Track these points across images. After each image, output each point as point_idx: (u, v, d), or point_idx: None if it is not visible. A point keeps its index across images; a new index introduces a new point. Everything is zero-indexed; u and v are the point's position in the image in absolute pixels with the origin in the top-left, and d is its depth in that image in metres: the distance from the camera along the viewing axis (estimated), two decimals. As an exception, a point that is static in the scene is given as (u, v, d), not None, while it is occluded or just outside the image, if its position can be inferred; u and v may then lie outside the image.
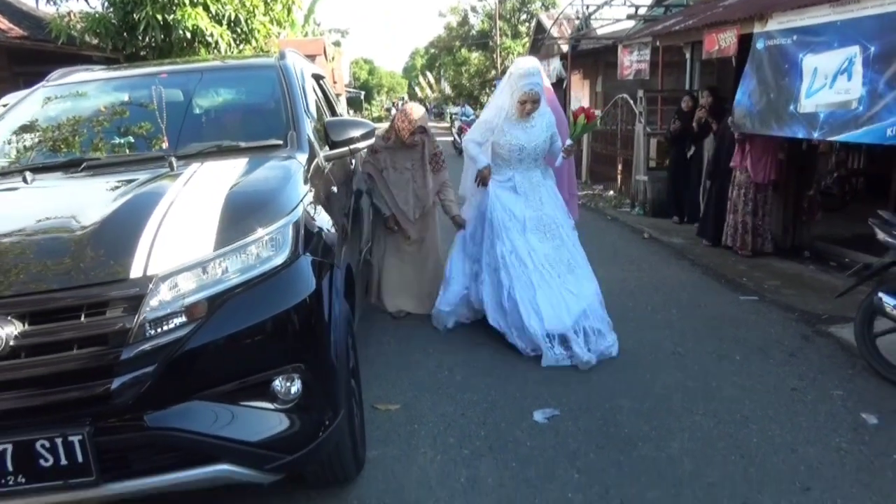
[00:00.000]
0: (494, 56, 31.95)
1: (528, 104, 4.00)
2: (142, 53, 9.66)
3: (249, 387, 2.01)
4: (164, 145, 3.00)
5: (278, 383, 2.05)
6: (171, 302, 1.91)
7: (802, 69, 5.34)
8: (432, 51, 47.31)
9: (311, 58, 16.55)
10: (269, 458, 2.03)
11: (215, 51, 9.26)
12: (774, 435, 2.98)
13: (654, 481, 2.63)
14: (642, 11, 11.35)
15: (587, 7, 12.24)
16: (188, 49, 9.41)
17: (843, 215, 7.56)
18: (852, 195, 8.49)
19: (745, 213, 6.40)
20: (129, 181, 2.41)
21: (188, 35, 8.82)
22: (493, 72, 31.13)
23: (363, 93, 52.53)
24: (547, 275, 3.99)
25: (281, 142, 2.90)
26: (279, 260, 2.11)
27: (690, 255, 6.50)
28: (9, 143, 3.01)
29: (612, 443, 2.93)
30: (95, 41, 9.64)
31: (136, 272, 1.89)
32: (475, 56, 36.42)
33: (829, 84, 5.06)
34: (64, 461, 1.83)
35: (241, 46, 9.72)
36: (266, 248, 2.11)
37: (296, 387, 2.08)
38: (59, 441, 1.82)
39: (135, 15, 9.16)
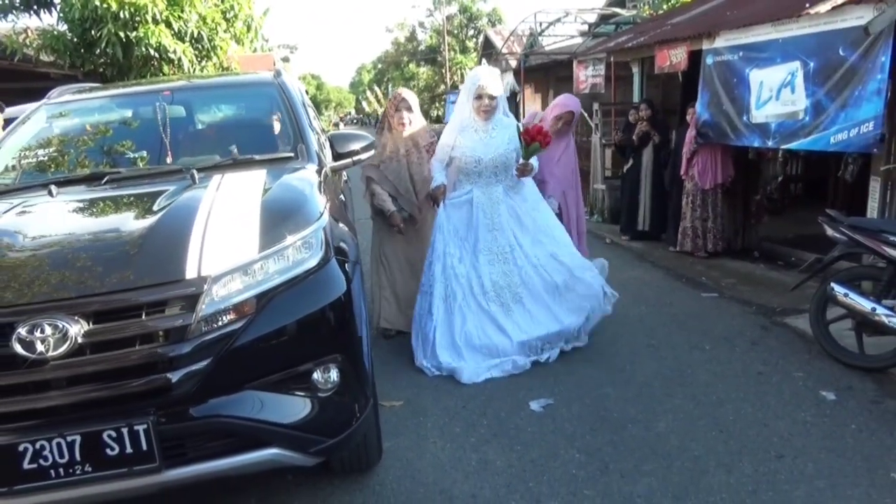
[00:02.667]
0: (443, 71, 32.46)
1: (485, 99, 3.89)
2: (100, 71, 9.60)
3: (294, 377, 2.19)
4: (171, 159, 3.15)
5: (319, 373, 2.24)
6: (223, 300, 2.08)
7: (750, 83, 5.80)
8: (380, 66, 47.64)
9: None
10: (313, 441, 2.21)
11: (178, 68, 9.28)
12: (747, 413, 3.30)
13: (647, 456, 2.91)
14: (592, 27, 11.86)
15: (540, 24, 12.70)
16: (148, 66, 9.41)
17: (786, 218, 8.10)
18: (792, 199, 9.09)
19: (693, 218, 6.86)
20: (160, 192, 2.55)
21: (151, 52, 8.83)
22: (443, 86, 31.63)
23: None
24: (487, 300, 3.87)
25: (292, 154, 3.08)
26: (313, 262, 2.30)
27: (650, 258, 6.89)
28: (22, 160, 3.10)
29: (605, 425, 3.19)
30: (52, 58, 9.54)
31: (191, 273, 2.06)
32: (424, 71, 36.91)
33: (774, 96, 5.53)
34: (129, 449, 1.97)
35: (203, 63, 9.76)
36: (301, 252, 2.29)
37: (334, 376, 2.26)
38: (125, 431, 1.96)
39: (93, 32, 9.11)
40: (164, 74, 9.33)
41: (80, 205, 2.63)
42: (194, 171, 2.74)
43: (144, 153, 3.18)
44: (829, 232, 3.96)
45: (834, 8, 4.94)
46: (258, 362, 2.14)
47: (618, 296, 4.29)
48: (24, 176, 3.01)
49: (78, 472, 1.96)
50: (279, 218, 2.33)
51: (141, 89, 3.73)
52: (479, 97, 3.93)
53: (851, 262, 4.28)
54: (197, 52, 9.57)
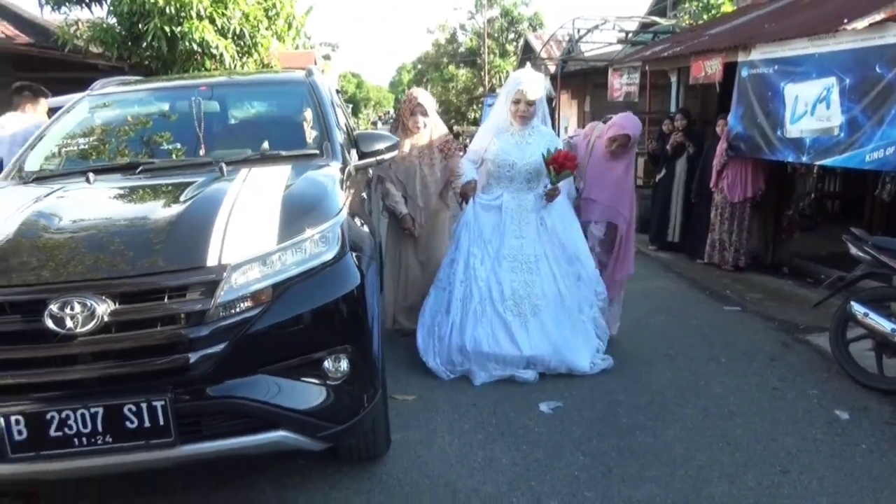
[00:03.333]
0: (482, 74, 32.49)
1: (522, 104, 3.82)
2: (146, 63, 9.90)
3: (305, 364, 2.29)
4: (203, 152, 3.29)
5: (329, 362, 2.33)
6: (241, 288, 2.19)
7: (785, 96, 5.75)
8: (419, 66, 47.85)
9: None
10: (321, 427, 2.31)
11: (220, 63, 9.53)
12: (757, 427, 3.30)
13: (651, 463, 2.94)
14: (630, 36, 11.82)
15: (578, 30, 12.70)
16: (192, 60, 9.68)
17: (819, 234, 7.97)
18: (827, 216, 8.94)
19: (721, 231, 6.82)
20: (189, 183, 2.68)
21: (194, 47, 9.08)
22: (481, 89, 31.67)
23: (350, 106, 52.89)
24: (505, 308, 3.79)
25: (317, 151, 3.19)
26: (329, 255, 2.39)
27: (676, 269, 6.87)
28: (64, 147, 3.27)
29: (613, 431, 3.23)
30: (100, 50, 9.87)
31: (212, 261, 2.16)
32: (463, 73, 36.95)
33: (809, 111, 5.47)
34: (147, 423, 2.09)
35: (244, 59, 9.99)
36: (318, 245, 2.38)
37: (344, 365, 2.35)
38: (144, 406, 2.07)
39: (141, 26, 9.41)
40: (206, 69, 9.59)
41: (114, 192, 2.76)
42: (223, 164, 2.86)
43: (179, 145, 3.32)
44: (853, 250, 3.93)
45: (872, 25, 4.88)
46: (272, 348, 2.23)
47: (611, 362, 4.00)
48: (65, 163, 3.18)
49: (99, 441, 2.08)
50: (299, 212, 2.43)
51: (178, 84, 3.88)
52: (517, 101, 3.86)
53: (878, 283, 4.23)
54: (238, 49, 9.81)
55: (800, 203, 7.46)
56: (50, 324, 2.02)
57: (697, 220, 7.29)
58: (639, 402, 3.56)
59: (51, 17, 11.62)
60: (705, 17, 11.47)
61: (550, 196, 3.87)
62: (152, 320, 2.11)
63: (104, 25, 9.54)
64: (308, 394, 2.29)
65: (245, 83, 3.96)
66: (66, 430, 2.06)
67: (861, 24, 4.93)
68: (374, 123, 52.40)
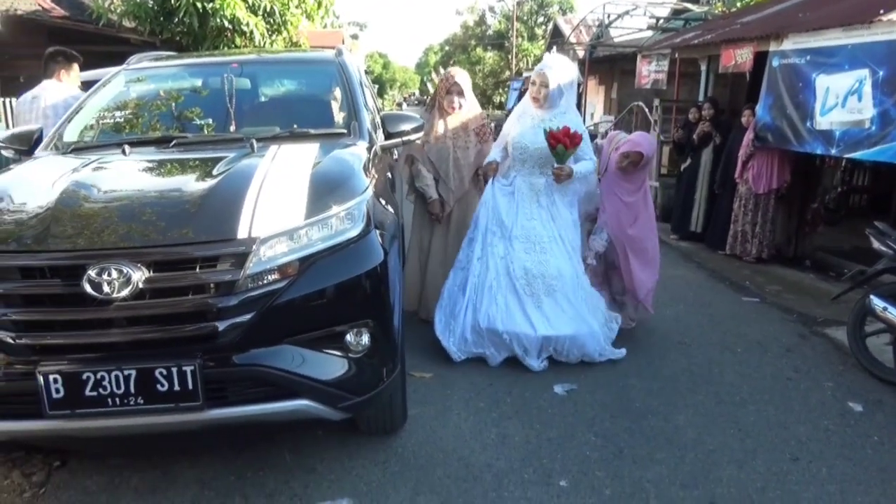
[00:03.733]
0: (509, 57, 32.30)
1: (536, 86, 3.85)
2: (177, 39, 10.02)
3: (329, 336, 2.37)
4: (234, 128, 3.37)
5: (351, 335, 2.41)
6: (269, 261, 2.27)
7: (815, 88, 5.68)
8: (447, 48, 47.67)
9: (324, 48, 16.83)
10: (341, 397, 2.40)
11: (250, 40, 9.62)
12: (769, 415, 3.34)
13: (662, 446, 3.00)
14: (661, 22, 11.68)
15: (608, 15, 12.58)
16: (222, 37, 9.78)
17: (844, 229, 7.90)
18: (851, 210, 8.84)
19: (745, 223, 6.79)
20: (220, 158, 2.76)
21: (225, 23, 9.18)
22: (508, 72, 31.50)
23: (376, 87, 52.82)
24: (518, 286, 3.79)
25: (345, 130, 3.26)
26: (354, 232, 2.46)
27: (697, 259, 6.86)
28: (101, 120, 3.38)
29: (625, 414, 3.29)
30: (133, 24, 10.01)
31: (242, 233, 2.25)
32: (490, 56, 36.78)
33: (840, 103, 5.42)
34: (177, 387, 2.18)
35: (274, 37, 10.07)
36: (344, 222, 2.46)
37: (365, 339, 2.43)
38: (174, 370, 2.17)
39: (173, 1, 9.53)
40: (236, 46, 9.69)
41: (149, 164, 2.86)
42: (253, 141, 2.94)
43: (211, 120, 3.40)
44: (875, 245, 3.92)
45: (907, 16, 4.81)
46: (297, 320, 2.32)
47: (623, 353, 3.95)
48: (101, 135, 3.29)
49: (131, 402, 2.19)
50: (326, 189, 2.50)
51: (211, 60, 3.97)
52: (533, 82, 3.90)
53: (897, 277, 4.23)
54: (268, 26, 9.89)
55: (826, 196, 7.38)
56: (88, 288, 2.12)
57: (720, 211, 7.25)
58: (651, 386, 3.61)
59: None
60: (738, 4, 11.30)
61: (556, 175, 3.79)
62: (184, 288, 2.20)
63: (137, 0, 9.67)
64: (330, 365, 2.38)
65: (276, 61, 4.03)
66: (100, 390, 2.17)
67: (896, 15, 4.86)
68: (400, 105, 52.31)
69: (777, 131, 6.21)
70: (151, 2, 9.83)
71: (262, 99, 3.80)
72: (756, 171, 6.66)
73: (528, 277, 3.79)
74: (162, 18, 9.87)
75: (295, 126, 3.32)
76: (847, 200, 9.08)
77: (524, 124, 3.95)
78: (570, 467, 2.80)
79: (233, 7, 9.00)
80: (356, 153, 2.94)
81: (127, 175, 2.70)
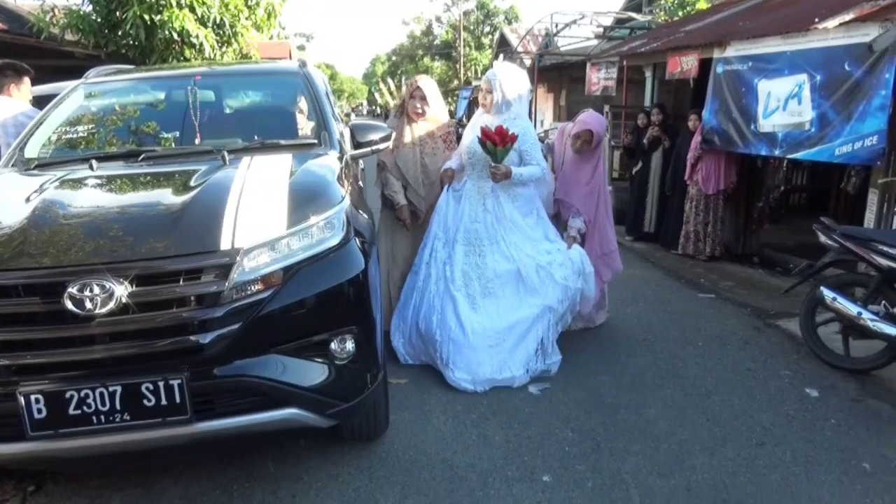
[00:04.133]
0: (457, 66, 32.59)
1: (484, 93, 3.96)
2: (123, 52, 9.80)
3: (314, 344, 2.39)
4: (200, 140, 3.35)
5: (336, 343, 2.43)
6: (253, 271, 2.28)
7: (758, 92, 5.96)
8: (394, 58, 47.72)
9: (273, 60, 16.72)
10: (329, 404, 2.42)
11: (199, 52, 9.49)
12: (734, 404, 3.49)
13: (636, 438, 3.10)
14: (607, 31, 12.01)
15: (556, 24, 12.86)
16: (170, 49, 9.62)
17: (786, 226, 8.27)
18: (790, 209, 9.25)
19: (696, 223, 7.06)
20: (193, 170, 2.75)
21: (174, 35, 9.03)
22: (456, 81, 31.78)
23: (324, 97, 52.37)
24: (454, 288, 3.79)
25: (315, 140, 3.29)
26: (335, 241, 2.49)
27: (652, 259, 7.08)
28: (63, 135, 3.31)
29: (598, 409, 3.39)
30: (76, 37, 9.75)
31: (225, 245, 2.25)
32: (438, 65, 37.03)
33: (781, 107, 5.69)
34: (164, 401, 2.17)
35: (224, 49, 9.96)
36: (324, 231, 2.48)
37: (350, 346, 2.46)
38: (161, 384, 2.16)
39: (118, 13, 9.34)
40: (185, 58, 9.54)
41: (122, 179, 2.82)
42: (225, 153, 2.94)
43: (178, 133, 3.38)
44: (822, 239, 4.14)
45: (841, 24, 5.10)
46: (283, 329, 2.33)
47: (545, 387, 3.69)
48: (65, 150, 3.22)
49: (117, 419, 2.17)
50: (306, 199, 2.53)
51: (174, 73, 3.93)
52: (480, 89, 4.05)
53: (843, 270, 4.47)
54: (218, 38, 9.77)
55: (770, 195, 7.72)
56: (69, 305, 2.09)
57: (672, 212, 7.50)
58: (621, 382, 3.73)
59: (22, 3, 11.45)
60: (680, 13, 11.71)
61: (493, 174, 3.81)
62: (168, 302, 2.20)
63: (80, 12, 9.44)
64: (317, 372, 2.40)
65: (240, 73, 4.02)
66: (84, 408, 2.14)
67: (831, 23, 5.15)
68: (348, 115, 52.07)
69: (723, 134, 6.48)
70: (94, 14, 9.62)
71: (228, 111, 3.79)
72: (705, 172, 6.93)
73: (466, 280, 3.81)
74: (107, 31, 9.66)
75: (263, 138, 3.32)
76: (787, 199, 9.50)
77: (472, 129, 4.03)
78: (551, 463, 2.88)
79: (182, 19, 8.87)
80: (330, 163, 2.97)
81: (100, 190, 2.67)
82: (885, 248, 3.76)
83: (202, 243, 2.25)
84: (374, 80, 64.75)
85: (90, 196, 2.57)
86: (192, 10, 9.15)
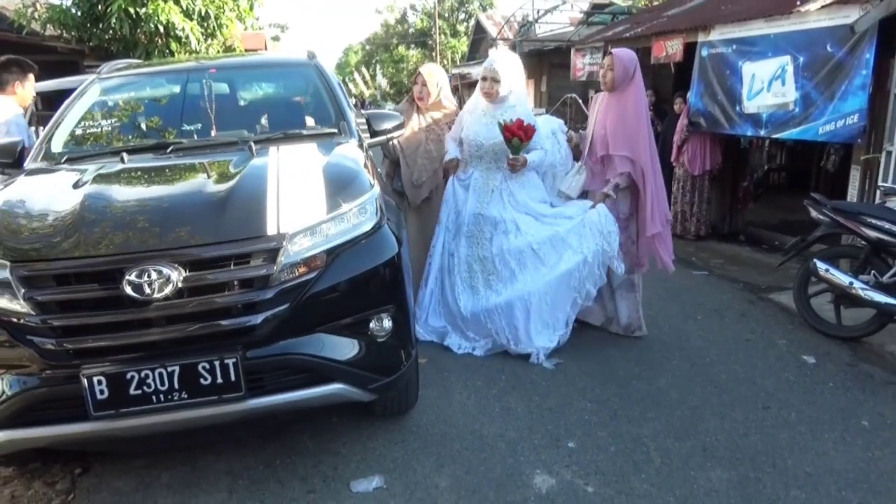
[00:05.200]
0: (434, 54, 32.57)
1: (488, 82, 3.92)
2: (106, 46, 9.74)
3: (356, 323, 2.52)
4: (214, 132, 3.43)
5: (375, 321, 2.56)
6: (297, 254, 2.39)
7: (742, 74, 6.16)
8: (368, 47, 47.49)
9: (254, 52, 16.68)
10: (371, 379, 2.55)
11: (184, 45, 9.46)
12: (738, 372, 3.68)
13: (650, 406, 3.28)
14: (584, 16, 12.16)
15: (537, 11, 12.99)
16: (154, 42, 9.58)
17: (769, 204, 8.53)
18: (776, 188, 9.54)
19: (683, 203, 7.28)
20: (226, 160, 2.85)
21: (159, 28, 9.00)
22: (433, 70, 31.78)
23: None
24: (460, 279, 3.94)
25: (335, 130, 3.39)
26: (369, 226, 2.61)
27: (643, 239, 7.27)
28: (87, 130, 3.38)
29: (612, 381, 3.56)
30: (59, 32, 9.66)
31: (271, 230, 2.36)
32: (413, 54, 36.96)
33: (766, 88, 5.90)
34: (220, 380, 2.28)
35: (209, 41, 9.94)
36: (359, 216, 2.60)
37: (388, 323, 2.59)
38: (217, 363, 2.27)
39: (100, 7, 9.27)
40: (170, 51, 9.52)
41: (158, 170, 2.91)
42: (252, 143, 3.04)
43: (198, 125, 3.45)
44: (813, 214, 4.34)
45: (823, 7, 5.30)
46: (327, 309, 2.45)
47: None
48: (92, 144, 3.29)
49: (176, 398, 2.27)
50: (340, 186, 2.64)
51: (187, 66, 3.99)
52: (484, 78, 3.97)
53: (826, 244, 4.68)
54: (203, 30, 9.75)
55: (754, 175, 7.96)
56: (129, 290, 2.19)
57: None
58: (629, 355, 3.90)
59: (4, 3, 11.27)
60: (659, -2, 11.90)
61: (512, 165, 3.86)
62: (221, 285, 2.31)
63: (62, 7, 9.35)
64: (358, 349, 2.52)
65: (254, 65, 4.09)
66: (144, 388, 2.25)
67: (813, 6, 5.35)
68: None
69: (709, 116, 6.68)
70: (75, 9, 9.53)
71: (243, 103, 3.87)
72: (691, 154, 7.14)
73: (470, 271, 3.91)
74: (89, 25, 9.59)
75: (283, 129, 3.41)
76: (769, 179, 9.77)
77: (477, 120, 4.02)
78: (573, 431, 3.04)
79: (167, 12, 8.85)
80: (355, 151, 3.09)
81: (141, 181, 2.76)
82: (874, 221, 3.97)
83: (250, 229, 2.36)
84: (347, 70, 64.34)
85: (133, 187, 2.67)
86: (177, 2, 9.12)
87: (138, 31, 9.22)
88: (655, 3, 11.57)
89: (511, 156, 3.87)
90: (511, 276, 3.86)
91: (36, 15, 9.36)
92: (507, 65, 4.01)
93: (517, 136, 3.79)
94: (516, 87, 4.07)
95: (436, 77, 4.32)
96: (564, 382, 3.54)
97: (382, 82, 43.87)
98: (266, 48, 24.35)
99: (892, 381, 3.59)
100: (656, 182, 3.92)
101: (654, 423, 3.11)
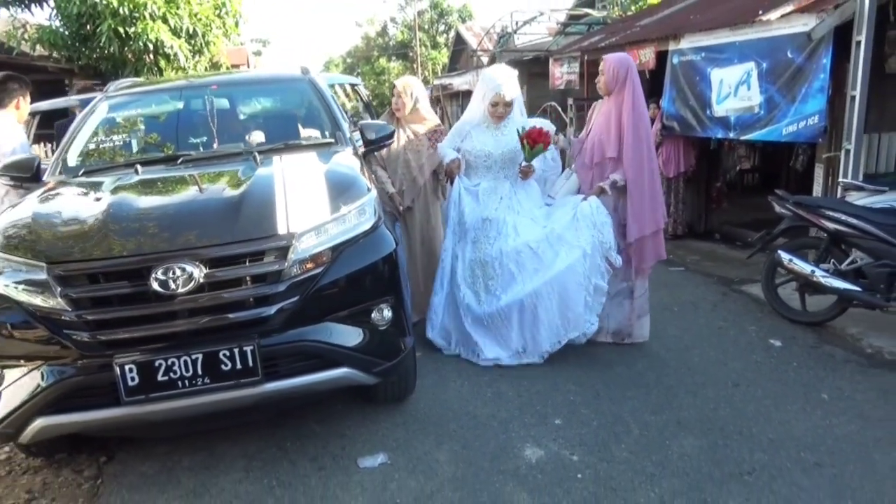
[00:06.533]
0: (415, 66, 32.97)
1: (500, 107, 3.91)
2: (95, 65, 9.94)
3: (359, 312, 2.78)
4: (216, 144, 3.68)
5: (376, 311, 2.82)
6: (305, 251, 2.65)
7: (711, 80, 6.50)
8: (349, 60, 47.78)
9: (236, 67, 16.89)
10: (374, 363, 2.80)
11: (173, 62, 9.69)
12: (710, 356, 3.98)
13: (630, 387, 3.56)
14: (566, 28, 12.55)
15: (516, 22, 13.37)
16: (142, 60, 9.79)
17: (743, 204, 8.89)
18: (749, 188, 9.92)
19: None
20: (235, 169, 3.10)
21: (149, 46, 9.22)
22: (414, 81, 32.15)
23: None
24: (462, 283, 3.98)
25: (332, 140, 3.66)
26: (367, 226, 2.88)
27: (623, 240, 7.59)
28: (100, 144, 3.61)
29: (594, 366, 3.84)
30: (48, 52, 9.85)
31: (282, 230, 2.62)
32: (395, 66, 37.32)
33: (733, 93, 6.24)
34: (239, 365, 2.53)
35: (197, 58, 10.17)
36: (357, 217, 2.87)
37: (387, 313, 2.85)
38: (236, 350, 2.51)
39: (88, 27, 9.47)
40: (159, 69, 9.74)
41: (173, 179, 3.15)
42: (256, 154, 3.30)
43: (204, 138, 3.70)
44: (777, 208, 4.66)
45: (783, 16, 5.66)
46: (333, 300, 2.71)
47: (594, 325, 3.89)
48: (106, 157, 3.53)
49: (199, 383, 2.51)
50: (341, 190, 2.91)
51: (189, 83, 4.24)
52: (495, 104, 3.92)
53: (793, 236, 5.01)
54: (191, 48, 9.99)
55: (727, 176, 8.33)
56: (156, 286, 2.44)
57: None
58: (612, 344, 4.18)
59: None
60: (633, 8, 12.32)
61: (524, 172, 3.96)
62: (238, 280, 2.56)
63: (52, 27, 9.55)
64: (362, 336, 2.78)
65: (253, 81, 4.35)
66: (171, 374, 2.49)
67: (774, 15, 5.71)
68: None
69: (682, 120, 7.02)
70: (62, 28, 9.72)
71: (242, 117, 4.13)
72: (665, 157, 7.48)
73: (473, 277, 3.96)
74: (78, 44, 9.79)
75: (283, 140, 3.67)
76: (742, 180, 10.17)
77: (483, 133, 4.03)
78: (560, 410, 3.31)
79: (156, 31, 9.08)
80: (351, 158, 3.36)
81: (158, 189, 3.00)
82: (832, 213, 4.29)
83: (263, 229, 2.62)
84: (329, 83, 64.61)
85: (153, 194, 2.91)
86: (166, 20, 9.35)
87: (126, 49, 9.42)
88: (629, 14, 11.98)
89: (525, 163, 3.92)
90: (510, 279, 3.86)
91: (26, 36, 9.54)
92: (511, 84, 3.96)
93: (539, 142, 3.83)
94: (517, 100, 4.10)
95: (410, 88, 4.40)
96: (551, 370, 3.80)
97: (364, 94, 44.06)
98: (248, 63, 24.62)
99: (851, 359, 3.90)
100: (652, 183, 3.97)
101: (633, 401, 3.39)
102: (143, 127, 3.82)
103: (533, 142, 3.85)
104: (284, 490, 2.72)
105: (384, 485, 2.73)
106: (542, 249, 3.83)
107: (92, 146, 3.60)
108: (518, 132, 3.90)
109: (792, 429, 3.08)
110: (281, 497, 2.68)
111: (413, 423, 3.22)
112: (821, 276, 4.30)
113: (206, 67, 10.60)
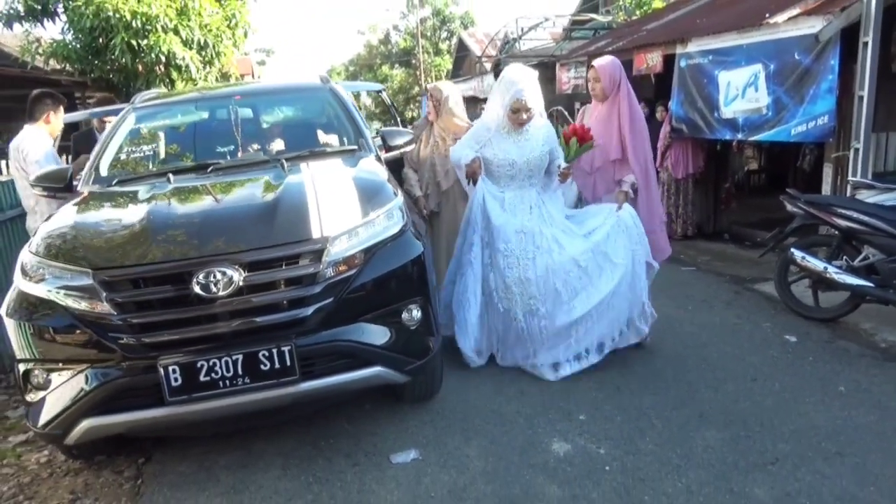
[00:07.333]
0: (417, 73, 33.13)
1: (522, 113, 3.68)
2: (108, 77, 10.07)
3: (390, 312, 2.87)
4: (240, 153, 3.79)
5: (406, 312, 2.91)
6: (339, 254, 2.75)
7: (718, 83, 6.60)
8: (352, 68, 47.98)
9: (241, 77, 17.03)
10: (406, 362, 2.89)
11: (185, 73, 9.81)
12: (727, 351, 4.06)
13: (650, 382, 3.64)
14: (571, 33, 12.68)
15: (522, 28, 13.49)
16: (154, 72, 9.92)
17: (751, 204, 8.97)
18: (756, 189, 10.00)
19: (669, 206, 7.69)
20: (264, 176, 3.20)
21: (160, 58, 9.35)
22: (416, 88, 32.31)
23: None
24: (503, 299, 3.80)
25: (355, 147, 3.76)
26: (396, 229, 2.97)
27: (633, 241, 7.68)
28: (131, 154, 3.72)
29: (613, 364, 3.90)
30: (61, 66, 9.99)
31: (316, 234, 2.72)
32: (398, 73, 37.50)
33: (740, 94, 6.34)
34: (277, 365, 2.62)
35: (208, 69, 10.30)
36: (386, 221, 2.96)
37: (417, 314, 2.94)
38: (275, 351, 2.61)
39: (101, 40, 9.60)
40: (170, 80, 9.87)
41: (206, 187, 3.23)
42: (283, 161, 3.40)
43: (231, 147, 3.81)
44: (789, 207, 4.74)
45: (790, 18, 5.76)
46: (366, 301, 2.80)
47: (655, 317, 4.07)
48: (138, 167, 3.64)
49: (239, 383, 2.60)
50: (370, 195, 3.01)
51: (214, 94, 4.35)
52: (516, 110, 3.70)
53: (805, 234, 5.09)
54: (202, 59, 10.11)
55: (735, 177, 8.41)
56: (198, 290, 2.53)
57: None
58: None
59: (4, 40, 11.60)
60: (638, 12, 12.43)
61: (564, 175, 3.78)
62: (276, 283, 2.65)
63: (64, 41, 9.68)
64: (394, 336, 2.87)
65: (275, 91, 4.46)
66: (212, 375, 2.58)
67: (781, 18, 5.80)
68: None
69: (690, 122, 7.12)
70: (74, 42, 9.84)
71: (265, 125, 4.23)
72: (674, 159, 7.58)
73: (509, 294, 3.76)
74: (90, 57, 9.91)
75: (308, 147, 3.77)
76: (749, 180, 10.25)
77: (504, 140, 3.82)
78: (583, 406, 3.39)
79: (168, 43, 9.19)
80: (376, 164, 3.45)
81: (193, 196, 3.10)
82: (843, 211, 4.37)
83: (297, 233, 2.72)
84: (332, 91, 64.78)
85: (188, 202, 3.01)
86: (177, 32, 9.48)
87: (137, 61, 9.54)
88: (634, 18, 12.10)
89: (565, 164, 3.76)
90: (557, 299, 3.70)
91: (40, 51, 9.68)
92: (533, 88, 3.74)
93: (586, 140, 3.70)
94: (540, 101, 3.89)
95: (437, 93, 4.47)
96: (571, 367, 3.89)
97: (367, 101, 44.27)
98: (253, 73, 24.81)
99: (866, 353, 3.98)
100: (653, 179, 4.07)
101: (654, 396, 3.47)
102: (170, 137, 3.92)
103: (581, 139, 3.69)
104: (322, 486, 2.81)
105: (418, 479, 2.82)
106: (590, 266, 3.73)
107: (123, 156, 3.70)
108: (557, 131, 3.80)
109: (812, 420, 3.16)
110: (319, 492, 2.77)
111: (440, 421, 3.30)
112: (834, 272, 4.37)
113: (216, 78, 10.73)
